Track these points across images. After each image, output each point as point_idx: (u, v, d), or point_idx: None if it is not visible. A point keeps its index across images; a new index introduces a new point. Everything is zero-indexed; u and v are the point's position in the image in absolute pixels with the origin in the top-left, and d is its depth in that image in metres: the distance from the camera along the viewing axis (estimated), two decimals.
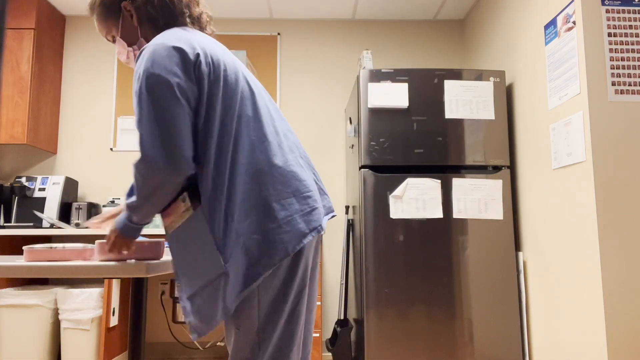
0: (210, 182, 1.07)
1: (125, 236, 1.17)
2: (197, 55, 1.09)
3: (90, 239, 3.16)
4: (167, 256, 1.48)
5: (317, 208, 1.16)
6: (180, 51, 1.08)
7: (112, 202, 3.11)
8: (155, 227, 2.94)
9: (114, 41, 1.29)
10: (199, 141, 1.08)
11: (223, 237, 1.06)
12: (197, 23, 1.29)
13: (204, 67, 1.09)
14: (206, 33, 1.31)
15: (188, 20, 1.27)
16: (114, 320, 2.74)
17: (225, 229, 1.06)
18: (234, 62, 1.20)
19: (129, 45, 1.26)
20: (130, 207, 1.12)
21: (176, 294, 2.84)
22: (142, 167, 1.04)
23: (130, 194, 1.14)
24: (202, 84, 1.09)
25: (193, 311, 1.09)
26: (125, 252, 1.20)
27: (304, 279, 1.17)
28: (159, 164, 1.02)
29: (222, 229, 1.06)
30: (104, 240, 1.21)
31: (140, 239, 1.25)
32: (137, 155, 1.07)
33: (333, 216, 1.29)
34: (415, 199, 2.54)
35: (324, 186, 1.29)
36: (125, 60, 1.30)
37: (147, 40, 1.25)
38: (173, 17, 1.24)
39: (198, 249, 1.07)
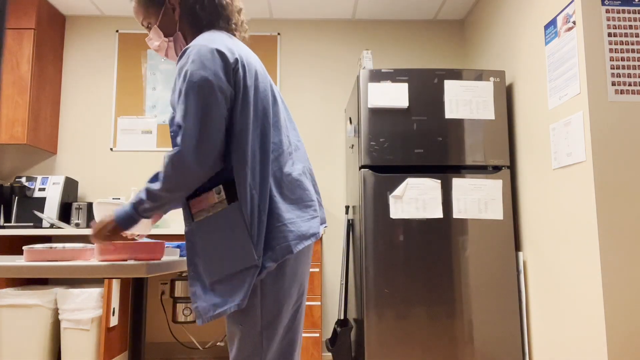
0: (249, 180, 1.12)
1: (119, 224, 1.17)
2: (236, 60, 1.15)
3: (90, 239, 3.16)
4: (167, 256, 1.48)
5: (316, 217, 1.24)
6: (222, 55, 1.13)
7: None
8: (156, 227, 2.94)
9: (148, 28, 1.33)
10: (234, 143, 1.13)
11: (257, 233, 1.11)
12: (236, 28, 1.34)
13: (240, 72, 1.15)
14: (239, 37, 1.36)
15: (232, 26, 1.32)
16: (114, 320, 2.74)
17: (258, 225, 1.12)
18: (264, 71, 1.27)
19: (166, 36, 1.31)
20: (149, 192, 1.13)
21: (184, 284, 2.84)
22: (177, 158, 1.08)
23: (154, 180, 1.14)
24: (238, 88, 1.14)
25: (208, 296, 1.13)
26: (107, 245, 1.19)
27: (302, 285, 1.23)
28: (192, 158, 1.08)
29: (256, 224, 1.12)
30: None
31: (144, 239, 1.26)
32: (175, 148, 1.10)
33: (324, 227, 1.37)
34: (415, 199, 2.54)
35: (321, 199, 1.36)
36: (155, 47, 1.33)
37: (184, 35, 1.31)
38: (217, 20, 1.29)
39: (231, 240, 1.12)
